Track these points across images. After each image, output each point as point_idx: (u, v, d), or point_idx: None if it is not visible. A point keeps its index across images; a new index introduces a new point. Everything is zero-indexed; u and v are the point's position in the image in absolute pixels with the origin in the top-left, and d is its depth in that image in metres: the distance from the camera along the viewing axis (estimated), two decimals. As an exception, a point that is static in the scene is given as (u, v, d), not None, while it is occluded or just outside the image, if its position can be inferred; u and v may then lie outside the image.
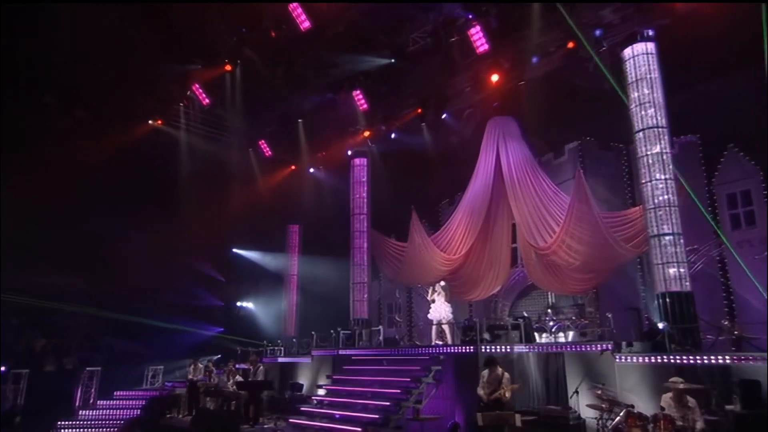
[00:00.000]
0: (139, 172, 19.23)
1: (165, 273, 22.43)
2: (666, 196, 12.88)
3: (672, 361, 9.69)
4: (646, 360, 10.14)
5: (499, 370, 9.78)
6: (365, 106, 17.93)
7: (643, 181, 13.27)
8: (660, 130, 13.36)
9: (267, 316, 24.52)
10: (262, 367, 15.23)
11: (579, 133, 18.49)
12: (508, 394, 9.47)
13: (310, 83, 17.04)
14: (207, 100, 18.29)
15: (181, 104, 18.33)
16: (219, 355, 21.09)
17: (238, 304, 25.22)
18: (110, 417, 16.21)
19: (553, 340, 14.94)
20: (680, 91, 15.34)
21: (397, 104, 17.87)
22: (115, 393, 17.83)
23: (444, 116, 17.94)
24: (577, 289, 15.98)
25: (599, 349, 10.63)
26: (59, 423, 15.47)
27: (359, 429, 10.15)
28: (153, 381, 20.44)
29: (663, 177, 13.05)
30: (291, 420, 13.11)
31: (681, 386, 8.27)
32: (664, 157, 13.17)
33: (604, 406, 9.16)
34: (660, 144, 13.28)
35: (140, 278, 21.95)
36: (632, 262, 15.77)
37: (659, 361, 9.90)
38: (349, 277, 19.46)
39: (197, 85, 17.84)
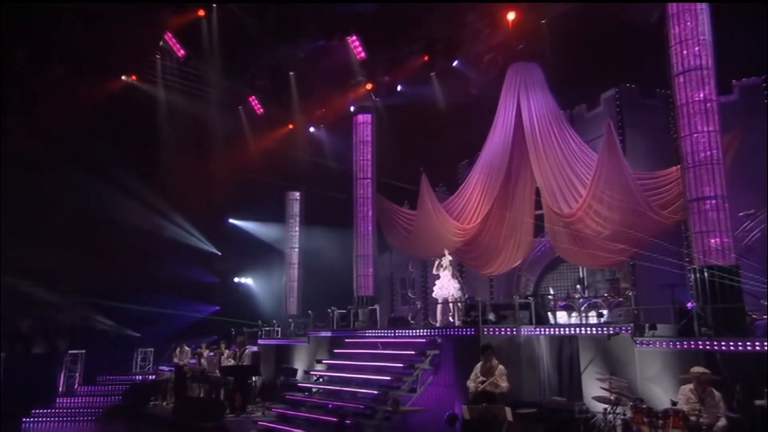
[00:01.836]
0: (116, 136, 19.38)
1: (154, 247, 22.85)
2: (709, 152, 12.17)
3: (696, 346, 9.31)
4: (669, 345, 9.77)
5: (495, 361, 9.62)
6: (363, 54, 17.46)
7: (683, 135, 12.58)
8: (704, 72, 12.54)
9: (267, 293, 24.83)
10: (248, 350, 15.44)
11: (617, 79, 17.72)
12: (503, 384, 9.32)
13: (298, 29, 16.60)
14: (182, 52, 18.09)
15: (157, 56, 18.15)
16: (215, 336, 21.51)
17: (236, 280, 25.59)
18: (90, 404, 16.77)
19: (584, 321, 14.63)
20: (742, 25, 14.46)
21: (400, 51, 17.33)
22: (98, 378, 18.39)
23: (455, 63, 17.32)
24: (608, 263, 15.55)
25: (608, 332, 10.30)
26: (34, 411, 16.06)
27: (335, 419, 10.25)
28: (143, 365, 21.04)
29: (706, 129, 12.32)
30: (275, 409, 13.33)
31: (701, 377, 7.93)
32: (708, 105, 12.40)
33: (612, 398, 8.89)
34: (704, 89, 12.48)
35: (128, 254, 22.41)
36: (674, 231, 15.14)
37: (682, 346, 9.53)
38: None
39: (170, 35, 17.64)
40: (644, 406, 8.07)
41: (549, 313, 13.88)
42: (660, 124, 17.05)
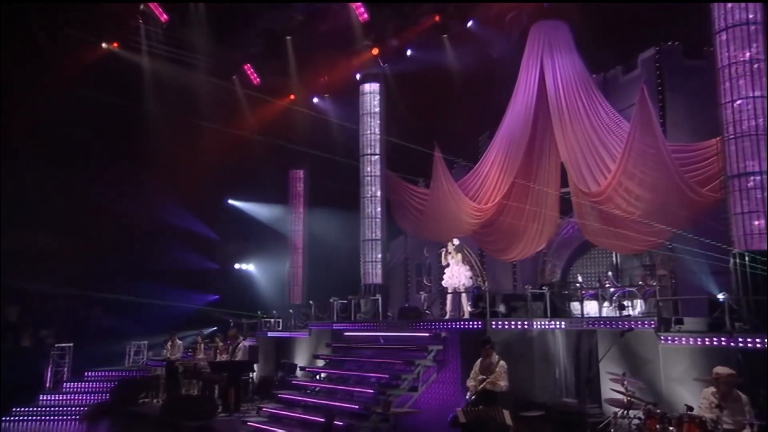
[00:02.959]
0: (99, 110, 19.53)
1: (147, 232, 23.20)
2: (754, 122, 11.80)
3: (727, 343, 9.11)
4: (698, 342, 9.58)
5: (495, 356, 9.57)
6: (366, 15, 17.28)
7: (724, 101, 12.21)
8: (751, 27, 12.11)
9: (270, 280, 24.99)
10: (242, 344, 15.60)
11: (657, 36, 17.22)
12: (502, 383, 9.26)
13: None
14: (165, 16, 18.05)
15: (140, 21, 18.12)
16: (215, 328, 21.82)
17: (236, 266, 25.84)
18: (75, 402, 17.21)
19: (617, 312, 14.43)
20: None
21: (408, 11, 17.09)
22: (85, 373, 18.83)
23: (470, 24, 17.02)
24: (641, 247, 15.21)
25: (624, 326, 10.14)
26: (14, 409, 16.54)
27: (322, 419, 10.38)
28: (136, 359, 21.46)
29: (753, 95, 11.94)
30: (265, 408, 13.52)
31: (722, 378, 7.76)
32: (756, 66, 11.99)
33: (625, 400, 8.77)
34: (751, 48, 12.08)
35: (119, 239, 22.81)
36: (716, 211, 14.75)
37: (711, 343, 9.33)
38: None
39: (151, -4, 17.58)
40: (658, 410, 7.96)
41: (576, 303, 13.75)
42: (706, 88, 16.57)
